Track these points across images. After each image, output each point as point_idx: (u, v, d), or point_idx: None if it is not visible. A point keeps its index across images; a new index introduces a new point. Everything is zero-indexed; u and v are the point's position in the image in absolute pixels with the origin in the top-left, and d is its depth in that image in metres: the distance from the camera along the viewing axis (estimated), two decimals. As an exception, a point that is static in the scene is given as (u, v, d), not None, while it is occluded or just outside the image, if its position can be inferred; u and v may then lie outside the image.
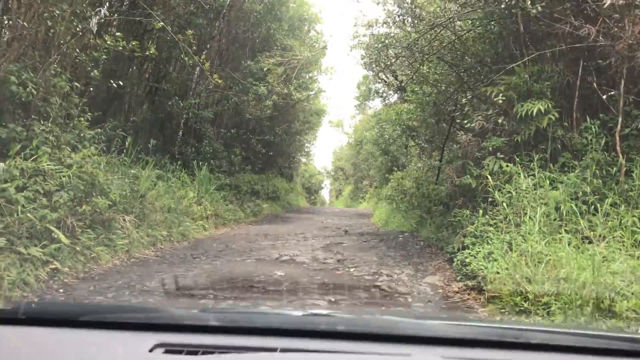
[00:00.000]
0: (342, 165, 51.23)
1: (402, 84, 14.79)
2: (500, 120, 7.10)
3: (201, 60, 11.55)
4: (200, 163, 15.07)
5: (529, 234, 5.66)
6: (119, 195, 8.41)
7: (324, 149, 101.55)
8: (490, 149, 7.03)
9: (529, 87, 6.95)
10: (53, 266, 6.02)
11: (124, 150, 10.58)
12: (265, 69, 14.55)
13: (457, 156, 7.94)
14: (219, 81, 11.76)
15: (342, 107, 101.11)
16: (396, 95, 22.89)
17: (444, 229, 8.36)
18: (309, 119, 29.52)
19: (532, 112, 6.67)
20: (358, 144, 29.42)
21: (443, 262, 7.42)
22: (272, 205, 22.94)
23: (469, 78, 10.26)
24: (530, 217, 5.94)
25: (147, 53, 8.82)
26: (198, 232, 12.00)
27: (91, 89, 9.07)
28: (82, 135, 8.40)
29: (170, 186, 12.25)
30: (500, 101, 6.93)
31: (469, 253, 6.44)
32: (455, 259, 6.75)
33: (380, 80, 20.50)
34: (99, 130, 9.09)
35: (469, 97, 7.50)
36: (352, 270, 6.81)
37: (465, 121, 7.15)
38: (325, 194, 58.36)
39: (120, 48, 8.25)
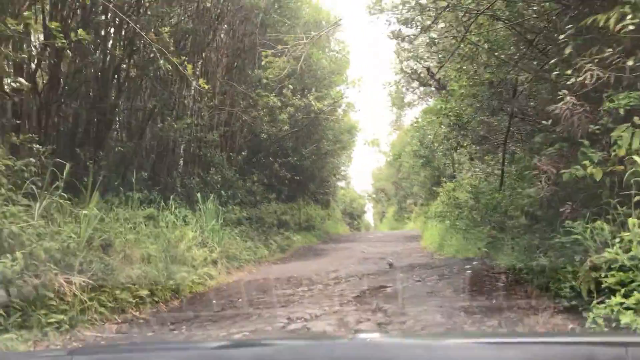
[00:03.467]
0: (383, 186, 48.47)
1: (442, 72, 11.89)
2: (630, 64, 4.14)
3: (183, 63, 8.92)
4: (209, 195, 12.41)
5: None
6: (46, 250, 5.71)
7: (362, 172, 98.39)
8: (622, 112, 4.05)
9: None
10: None
11: (83, 187, 7.98)
12: (262, 62, 11.78)
13: (552, 137, 4.97)
14: (206, 87, 9.12)
15: (376, 125, 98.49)
16: (433, 91, 19.90)
17: (540, 255, 5.31)
18: (340, 137, 26.58)
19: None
20: (397, 157, 26.41)
21: (555, 314, 4.36)
22: (306, 237, 20.09)
23: (537, 36, 7.33)
24: None
25: (73, 38, 6.19)
26: (200, 282, 9.24)
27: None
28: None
29: (161, 227, 9.57)
30: (629, 29, 3.98)
31: (618, 302, 3.44)
32: (588, 313, 3.72)
33: (414, 75, 17.68)
34: (31, 159, 6.48)
35: (571, 30, 4.57)
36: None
37: (568, 73, 4.25)
38: (369, 217, 55.51)
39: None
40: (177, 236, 9.57)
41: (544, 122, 5.09)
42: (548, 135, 5.15)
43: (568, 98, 4.30)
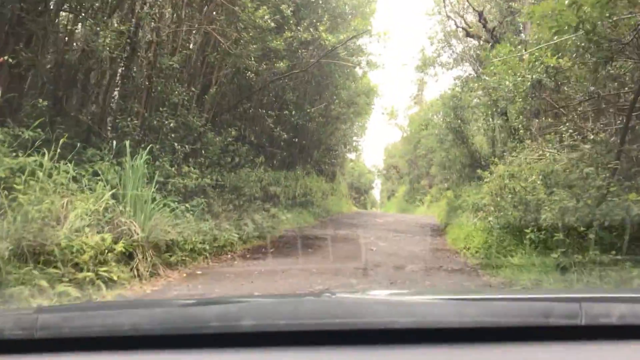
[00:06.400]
0: (396, 162, 44.43)
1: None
2: None
3: None
4: (151, 146, 8.16)
5: None
6: None
7: (375, 146, 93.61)
8: None
9: None
10: None
11: None
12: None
13: None
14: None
15: (395, 97, 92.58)
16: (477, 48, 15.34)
17: None
18: (355, 99, 21.97)
19: None
20: (423, 128, 21.96)
21: None
22: (300, 215, 15.89)
23: None
24: None
25: None
26: (84, 296, 5.14)
27: None
28: None
29: (17, 192, 5.32)
30: None
31: None
32: None
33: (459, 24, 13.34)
34: None
35: None
36: None
37: None
38: (376, 193, 52.12)
39: None
40: (47, 209, 5.32)
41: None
42: None
43: None
